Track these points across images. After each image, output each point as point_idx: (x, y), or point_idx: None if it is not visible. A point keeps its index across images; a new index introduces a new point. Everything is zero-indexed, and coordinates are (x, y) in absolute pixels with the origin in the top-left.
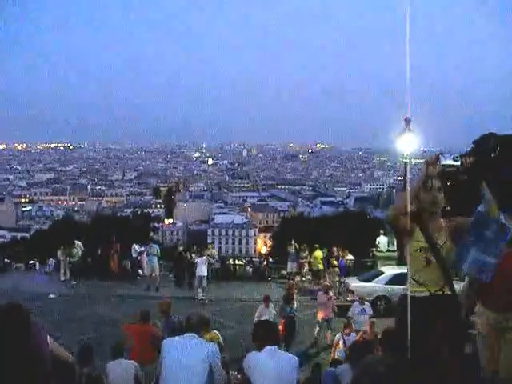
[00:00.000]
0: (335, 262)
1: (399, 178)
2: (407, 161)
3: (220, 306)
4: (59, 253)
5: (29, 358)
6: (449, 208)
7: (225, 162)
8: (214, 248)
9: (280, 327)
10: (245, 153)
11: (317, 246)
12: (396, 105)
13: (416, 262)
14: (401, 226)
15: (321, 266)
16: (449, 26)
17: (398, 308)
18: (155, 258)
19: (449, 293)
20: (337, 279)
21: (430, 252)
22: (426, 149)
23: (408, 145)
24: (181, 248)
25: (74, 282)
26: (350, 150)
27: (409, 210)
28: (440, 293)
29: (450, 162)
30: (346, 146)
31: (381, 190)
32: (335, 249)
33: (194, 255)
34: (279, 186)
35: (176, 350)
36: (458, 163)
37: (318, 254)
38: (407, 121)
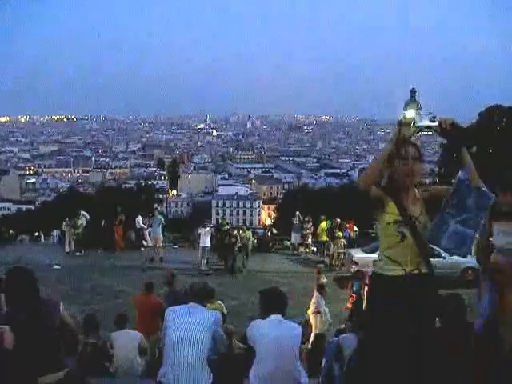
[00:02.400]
0: (340, 234)
1: None
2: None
3: (224, 276)
4: (64, 224)
5: (38, 320)
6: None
7: (229, 133)
8: (248, 230)
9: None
10: (249, 124)
11: (323, 217)
12: (402, 75)
13: (389, 238)
14: (372, 196)
15: (325, 238)
16: None
17: (368, 287)
18: (159, 229)
19: (425, 271)
20: (341, 250)
21: (404, 226)
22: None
23: (412, 116)
24: (227, 227)
25: (79, 253)
26: (354, 122)
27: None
28: (416, 272)
29: (426, 122)
30: (350, 118)
31: None
32: (339, 220)
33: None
34: (283, 158)
35: (179, 318)
36: (436, 124)
37: (324, 225)
38: (412, 92)
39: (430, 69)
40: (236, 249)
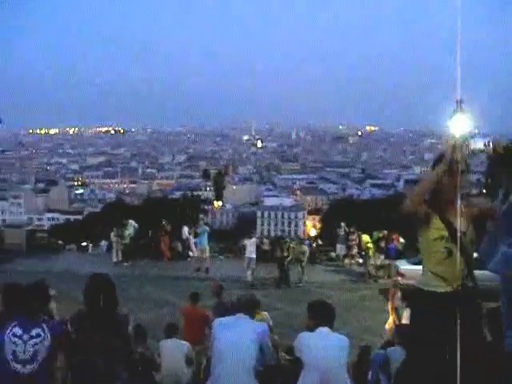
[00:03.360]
0: (382, 245)
1: None
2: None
3: (269, 287)
4: (112, 235)
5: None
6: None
7: (274, 144)
8: (303, 243)
9: None
10: (293, 135)
11: (360, 232)
12: (448, 86)
13: (435, 254)
14: (417, 213)
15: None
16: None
17: (414, 303)
18: (205, 240)
19: (471, 285)
20: (378, 262)
21: (451, 241)
22: (477, 131)
23: (459, 127)
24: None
25: (126, 264)
26: (399, 132)
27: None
28: (462, 287)
29: (480, 146)
30: (395, 129)
31: None
32: (386, 232)
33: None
34: (328, 169)
35: (227, 330)
36: (490, 148)
37: (365, 237)
38: (459, 102)
39: (480, 79)
40: (287, 261)
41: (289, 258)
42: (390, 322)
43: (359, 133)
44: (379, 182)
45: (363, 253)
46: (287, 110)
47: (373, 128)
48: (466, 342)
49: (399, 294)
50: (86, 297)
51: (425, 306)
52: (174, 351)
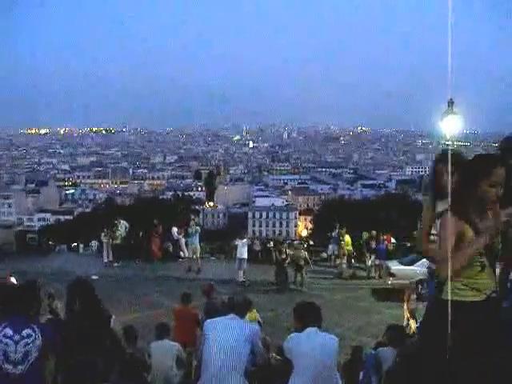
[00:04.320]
0: (373, 246)
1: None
2: (450, 143)
3: (261, 288)
4: (102, 235)
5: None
6: None
7: (265, 144)
8: (303, 248)
9: None
10: (285, 135)
11: (343, 230)
12: (439, 86)
13: (470, 267)
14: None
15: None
16: None
17: (445, 314)
18: (197, 240)
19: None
20: (369, 263)
21: (484, 255)
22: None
23: (451, 127)
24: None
25: (117, 264)
26: (391, 133)
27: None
28: (495, 294)
29: None
30: (386, 129)
31: (423, 172)
32: (374, 232)
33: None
34: (320, 169)
35: (218, 330)
36: None
37: (347, 238)
38: (450, 102)
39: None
40: (285, 265)
41: (287, 261)
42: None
43: (351, 133)
44: (371, 182)
45: (354, 253)
46: (279, 110)
47: (364, 128)
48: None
49: (414, 296)
50: (66, 303)
51: (459, 317)
52: (164, 352)
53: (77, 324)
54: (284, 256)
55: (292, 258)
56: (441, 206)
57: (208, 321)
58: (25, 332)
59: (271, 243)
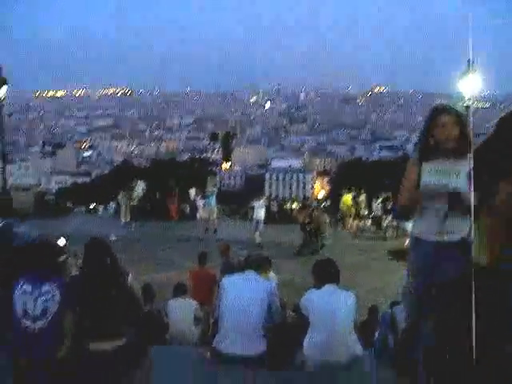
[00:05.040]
0: (389, 207)
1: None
2: (469, 104)
3: (277, 249)
4: (120, 196)
5: (108, 286)
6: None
7: (282, 106)
8: (324, 212)
9: None
10: (302, 97)
11: (345, 190)
12: (460, 46)
13: None
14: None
15: (348, 211)
16: None
17: None
18: (213, 202)
19: None
20: (385, 224)
21: None
22: (488, 92)
23: (470, 87)
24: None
25: (135, 225)
26: (409, 94)
27: None
28: None
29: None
30: (405, 90)
31: None
32: (391, 193)
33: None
34: (337, 130)
35: (235, 287)
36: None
37: (346, 198)
38: (470, 62)
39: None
40: (309, 228)
41: (311, 226)
42: None
43: (369, 94)
44: (389, 143)
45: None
46: (296, 70)
47: (382, 89)
48: None
49: None
50: (83, 261)
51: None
52: (182, 310)
53: (94, 281)
54: (308, 220)
55: (315, 221)
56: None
57: (224, 278)
58: (44, 288)
59: (292, 204)
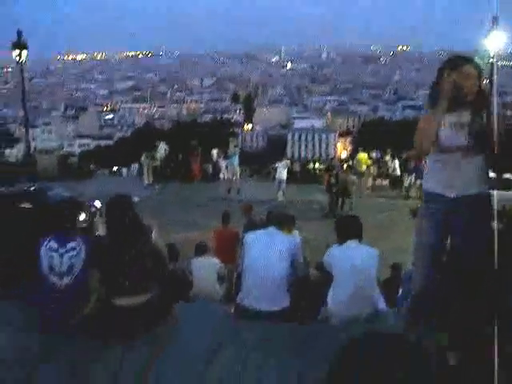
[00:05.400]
0: (411, 166)
1: (485, 82)
2: (494, 61)
3: (300, 207)
4: (142, 157)
5: (130, 243)
6: None
7: (304, 65)
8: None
9: None
10: (324, 56)
11: (360, 148)
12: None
13: None
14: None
15: (362, 169)
16: None
17: None
18: (236, 162)
19: None
20: (406, 183)
21: None
22: None
23: (495, 44)
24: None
25: (157, 186)
26: (433, 52)
27: None
28: None
29: None
30: (428, 48)
31: None
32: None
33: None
34: (359, 90)
35: (258, 243)
36: None
37: (362, 156)
38: (495, 18)
39: None
40: (335, 190)
41: (338, 187)
42: None
43: (391, 53)
44: (412, 103)
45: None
46: (316, 30)
47: (405, 48)
48: None
49: None
50: (106, 219)
51: None
52: (205, 268)
53: (116, 237)
54: (334, 181)
55: (341, 183)
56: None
57: (248, 234)
58: (69, 245)
59: (315, 164)
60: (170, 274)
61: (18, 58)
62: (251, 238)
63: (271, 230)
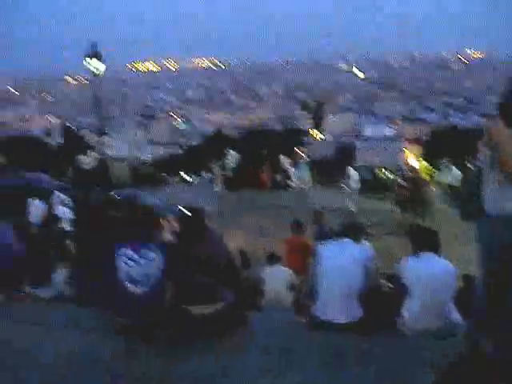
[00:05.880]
0: None
1: None
2: None
3: (372, 217)
4: (213, 165)
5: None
6: None
7: (373, 73)
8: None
9: None
10: (393, 63)
11: (420, 158)
12: None
13: None
14: None
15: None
16: None
17: None
18: (305, 170)
19: None
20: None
21: None
22: None
23: None
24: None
25: (228, 193)
26: (507, 60)
27: None
28: None
29: None
30: (502, 54)
31: None
32: None
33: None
34: (430, 97)
35: (332, 254)
36: None
37: (423, 165)
38: None
39: None
40: (409, 204)
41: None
42: None
43: (463, 59)
44: (485, 111)
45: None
46: (386, 36)
47: (479, 55)
48: None
49: None
50: (179, 229)
51: None
52: (277, 277)
53: (191, 249)
54: (407, 193)
55: (420, 195)
56: None
57: (320, 245)
58: (146, 253)
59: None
60: (243, 282)
61: (95, 70)
62: (325, 248)
63: (344, 240)
